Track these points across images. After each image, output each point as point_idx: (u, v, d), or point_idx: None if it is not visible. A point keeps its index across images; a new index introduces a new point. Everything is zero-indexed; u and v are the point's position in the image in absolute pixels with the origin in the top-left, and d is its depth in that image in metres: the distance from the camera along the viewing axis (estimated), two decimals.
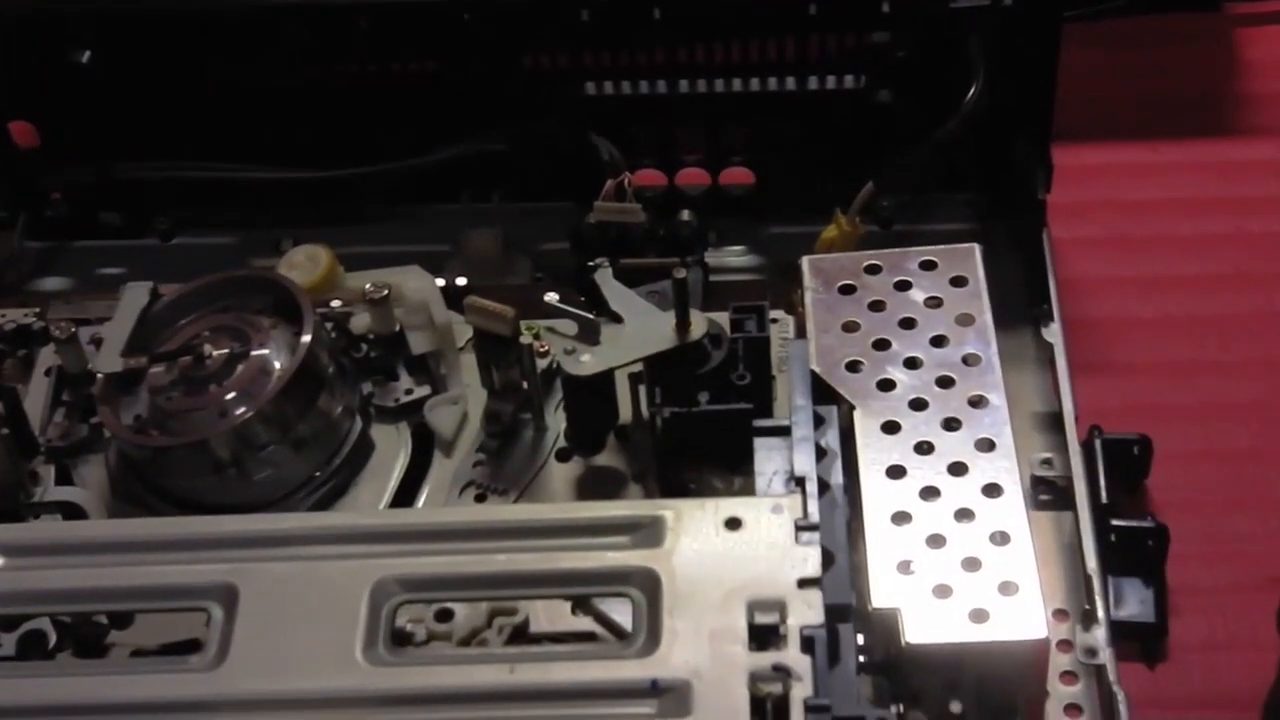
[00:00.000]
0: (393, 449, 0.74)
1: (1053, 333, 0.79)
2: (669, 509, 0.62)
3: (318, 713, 0.57)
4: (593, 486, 0.72)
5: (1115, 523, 0.72)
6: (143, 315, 0.74)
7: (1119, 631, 0.69)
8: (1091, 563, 0.70)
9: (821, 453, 0.63)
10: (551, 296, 0.76)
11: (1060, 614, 0.71)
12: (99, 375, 0.73)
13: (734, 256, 0.86)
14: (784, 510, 0.61)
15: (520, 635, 0.66)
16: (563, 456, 0.74)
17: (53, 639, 0.68)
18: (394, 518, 0.68)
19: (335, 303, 0.76)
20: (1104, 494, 0.73)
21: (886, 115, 0.82)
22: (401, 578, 0.61)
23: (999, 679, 0.62)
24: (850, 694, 0.57)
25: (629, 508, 0.64)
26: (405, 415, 0.75)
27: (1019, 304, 0.80)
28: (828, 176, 0.83)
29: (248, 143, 0.86)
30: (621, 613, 0.66)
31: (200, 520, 0.65)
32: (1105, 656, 0.68)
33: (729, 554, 0.60)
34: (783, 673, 0.56)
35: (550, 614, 0.67)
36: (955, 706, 0.63)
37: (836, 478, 0.63)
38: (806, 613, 0.58)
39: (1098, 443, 0.74)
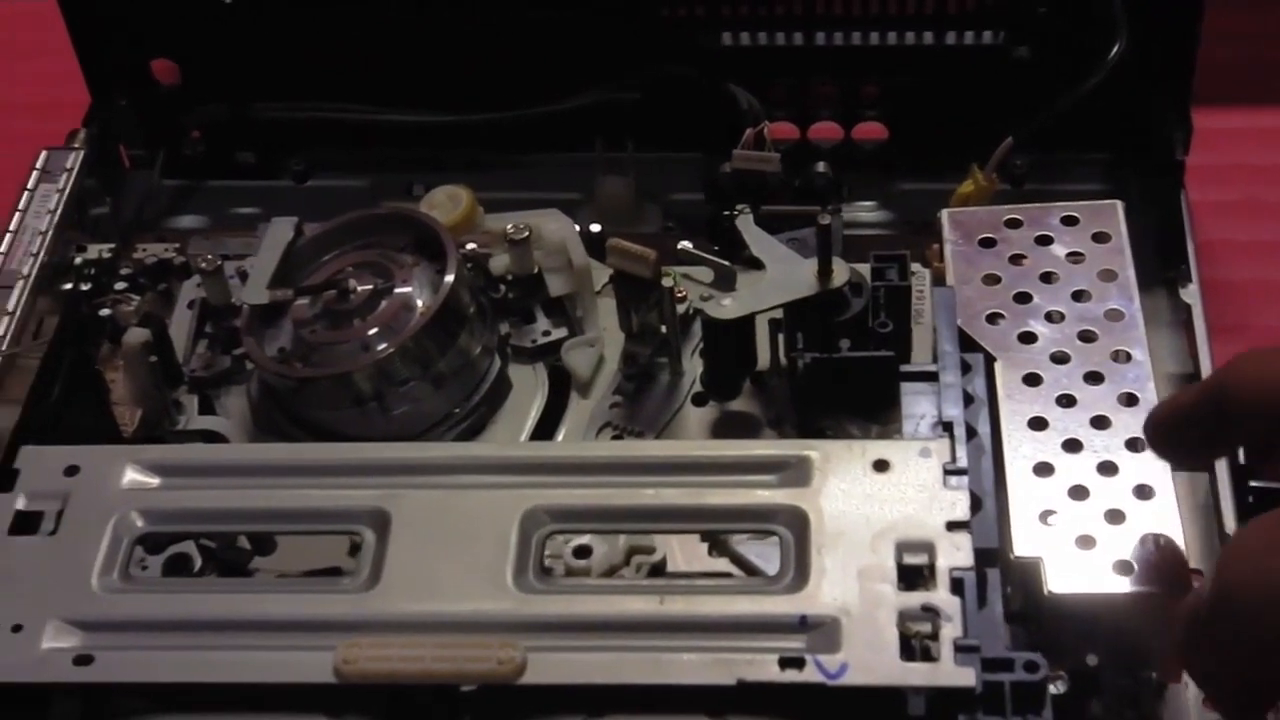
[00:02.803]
0: (530, 389, 0.75)
1: (1190, 293, 0.78)
2: (816, 449, 0.62)
3: (471, 635, 0.57)
4: (728, 431, 0.73)
5: (1253, 484, 0.71)
6: (287, 250, 0.75)
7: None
8: (1230, 522, 0.70)
9: (968, 399, 0.63)
10: (686, 244, 0.76)
11: (1196, 574, 0.70)
12: (244, 307, 0.74)
13: (865, 211, 0.86)
14: (932, 454, 0.61)
15: (658, 574, 0.67)
16: (699, 401, 0.74)
17: (197, 563, 0.69)
18: (542, 450, 0.69)
19: (473, 244, 0.77)
20: (1241, 454, 0.72)
21: (1024, 72, 0.82)
22: (551, 508, 0.61)
23: (1138, 632, 0.62)
24: (998, 636, 0.57)
25: (775, 447, 0.65)
26: (542, 356, 0.76)
27: (1153, 266, 0.79)
28: (961, 133, 0.83)
29: (383, 86, 0.87)
30: (758, 555, 0.67)
31: (349, 447, 0.66)
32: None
33: (877, 495, 0.60)
34: (932, 613, 0.57)
35: (687, 554, 0.68)
36: (1091, 659, 0.63)
37: (983, 425, 0.63)
38: (955, 555, 0.58)
39: None
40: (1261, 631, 0.50)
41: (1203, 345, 0.76)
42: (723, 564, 0.67)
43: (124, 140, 0.90)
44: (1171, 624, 0.54)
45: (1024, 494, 0.63)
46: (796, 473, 0.61)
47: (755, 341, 0.72)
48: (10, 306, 0.76)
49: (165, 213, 0.90)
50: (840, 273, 0.70)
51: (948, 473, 0.60)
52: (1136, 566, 0.60)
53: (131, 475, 0.64)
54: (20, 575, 0.61)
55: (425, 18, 0.85)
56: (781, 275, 0.70)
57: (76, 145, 0.85)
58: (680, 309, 0.74)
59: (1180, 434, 0.57)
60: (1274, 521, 0.51)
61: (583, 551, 0.67)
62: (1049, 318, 0.69)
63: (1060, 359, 0.67)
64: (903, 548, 0.58)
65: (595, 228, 0.82)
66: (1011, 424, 0.65)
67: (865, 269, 0.71)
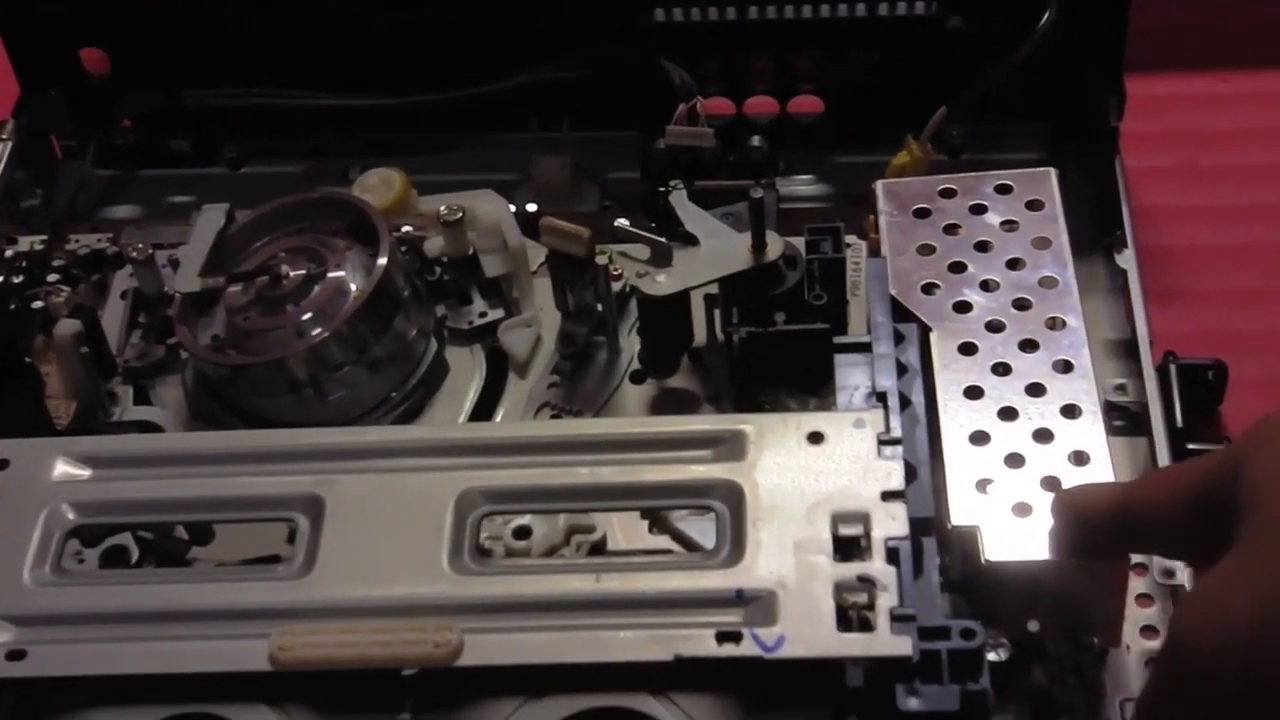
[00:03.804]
0: (467, 371, 0.75)
1: (1126, 259, 0.78)
2: (750, 423, 0.62)
3: (407, 619, 0.57)
4: (667, 408, 0.73)
5: (1191, 447, 0.72)
6: (219, 237, 0.74)
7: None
8: None
9: (902, 369, 0.63)
10: (622, 222, 0.76)
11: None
12: (176, 295, 0.73)
13: (802, 185, 0.86)
14: (866, 425, 0.61)
15: (598, 553, 0.67)
16: (637, 378, 0.74)
17: (135, 554, 0.68)
18: (477, 431, 0.68)
19: (407, 226, 0.77)
20: (1179, 418, 0.73)
21: (957, 42, 0.82)
22: (486, 489, 0.61)
23: (1077, 598, 0.62)
24: (935, 605, 0.57)
25: (710, 422, 0.65)
26: (479, 338, 0.76)
27: (1090, 233, 0.80)
28: (897, 105, 0.83)
29: (317, 70, 0.86)
30: (699, 531, 0.67)
31: (284, 433, 0.65)
32: (1183, 577, 0.68)
33: (811, 467, 0.60)
34: (868, 583, 0.56)
35: (627, 532, 0.68)
36: (1033, 626, 0.63)
37: (917, 394, 0.63)
38: (890, 525, 0.58)
39: (1172, 368, 0.74)
40: (1218, 687, 0.49)
41: (1139, 310, 0.76)
42: (663, 541, 0.67)
43: (55, 130, 0.89)
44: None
45: (961, 463, 0.63)
46: (731, 447, 0.61)
47: (691, 317, 0.72)
48: None
49: (99, 203, 0.89)
50: (774, 246, 0.69)
51: (882, 443, 0.60)
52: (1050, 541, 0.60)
53: (62, 468, 0.63)
54: None
55: (358, 1, 0.84)
56: (716, 250, 0.70)
57: (5, 136, 0.84)
58: (616, 287, 0.74)
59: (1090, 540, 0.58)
60: (1224, 571, 0.50)
61: (522, 532, 0.67)
62: (984, 286, 0.69)
63: (995, 327, 0.67)
64: (838, 519, 0.58)
65: (531, 207, 0.82)
66: (947, 393, 0.65)
67: (800, 242, 0.71)
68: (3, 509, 0.62)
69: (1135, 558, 0.69)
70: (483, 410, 0.74)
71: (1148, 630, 0.68)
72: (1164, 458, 0.71)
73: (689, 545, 0.67)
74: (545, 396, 0.73)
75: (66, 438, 0.68)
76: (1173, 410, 0.73)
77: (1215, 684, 0.49)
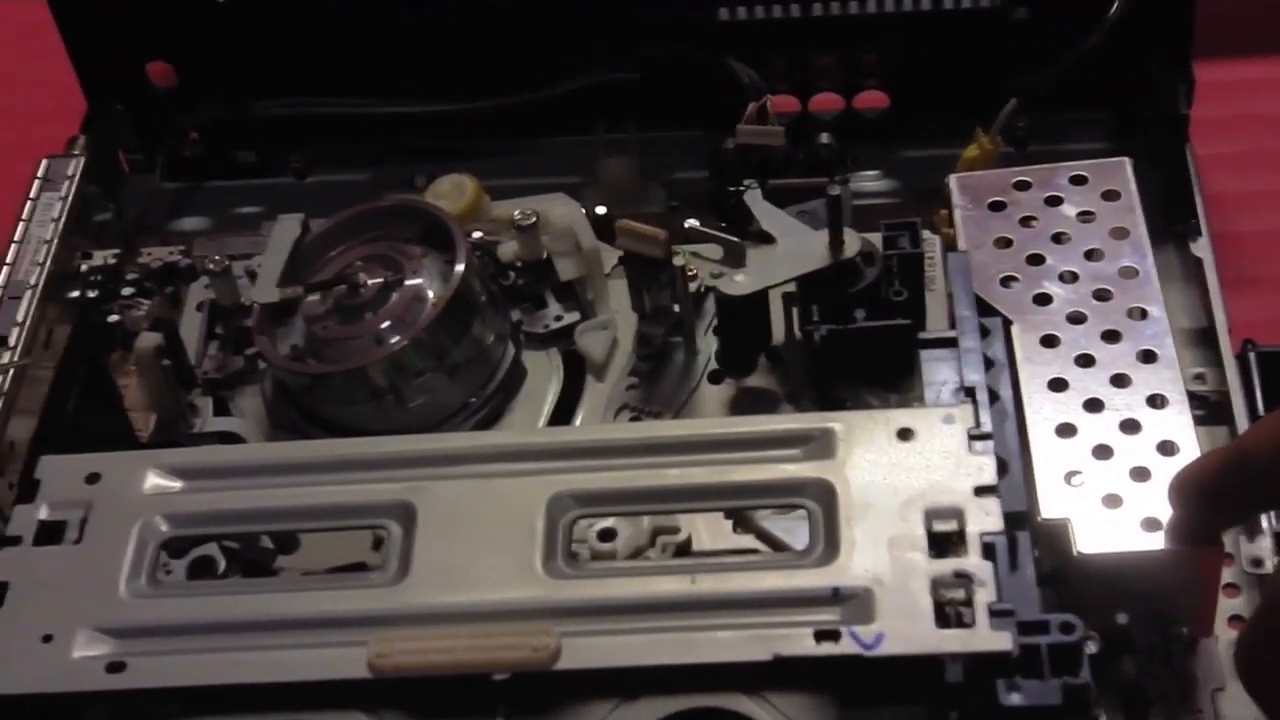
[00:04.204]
0: (545, 374, 0.75)
1: (1201, 247, 0.78)
2: (839, 421, 0.62)
3: (504, 624, 0.57)
4: (746, 408, 0.72)
5: None
6: (295, 247, 0.75)
7: None
8: None
9: (989, 363, 0.63)
10: (693, 222, 0.76)
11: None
12: (255, 306, 0.74)
13: (869, 181, 0.86)
14: (956, 420, 0.61)
15: (683, 553, 0.67)
16: (715, 379, 0.74)
17: (221, 565, 0.69)
18: (564, 435, 0.68)
19: (479, 232, 0.77)
20: (1261, 406, 0.72)
21: (1023, 33, 0.82)
22: (576, 492, 0.61)
23: (1169, 589, 0.62)
24: (1032, 599, 0.56)
25: (799, 420, 0.64)
26: (555, 341, 0.76)
27: (1161, 221, 0.79)
28: (963, 98, 0.82)
29: (380, 77, 0.86)
30: (784, 530, 0.67)
31: (370, 441, 0.65)
32: (1271, 566, 0.67)
33: (903, 464, 0.60)
34: (965, 579, 0.56)
35: (712, 532, 0.68)
36: (1121, 618, 0.63)
37: (1005, 389, 0.63)
38: (985, 520, 0.58)
39: (1252, 355, 0.73)
40: None
41: (1215, 298, 0.76)
42: (748, 541, 0.67)
43: (122, 145, 0.89)
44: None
45: (1048, 456, 0.63)
46: (821, 445, 0.61)
47: (769, 316, 0.72)
48: (20, 317, 0.76)
49: (167, 216, 0.90)
50: (852, 243, 0.69)
51: (972, 438, 0.60)
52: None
53: (153, 480, 0.63)
54: (47, 585, 0.60)
55: (420, 6, 0.84)
56: (793, 248, 0.70)
57: (76, 152, 0.84)
58: (692, 287, 0.74)
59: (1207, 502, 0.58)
60: None
61: (607, 534, 0.67)
62: (1063, 278, 0.69)
63: (1077, 319, 0.67)
64: (932, 515, 0.58)
65: (601, 210, 0.82)
66: (1031, 386, 0.65)
67: (875, 238, 0.71)
68: (96, 522, 0.62)
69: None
70: (561, 414, 0.74)
71: (1236, 620, 0.67)
72: None
73: (775, 544, 0.67)
74: (624, 399, 0.73)
75: (156, 450, 0.68)
76: (1254, 398, 0.72)
77: None
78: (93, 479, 0.63)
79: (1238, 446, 0.57)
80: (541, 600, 0.58)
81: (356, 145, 0.89)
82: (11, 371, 0.72)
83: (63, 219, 0.80)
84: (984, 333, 0.64)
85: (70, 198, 0.81)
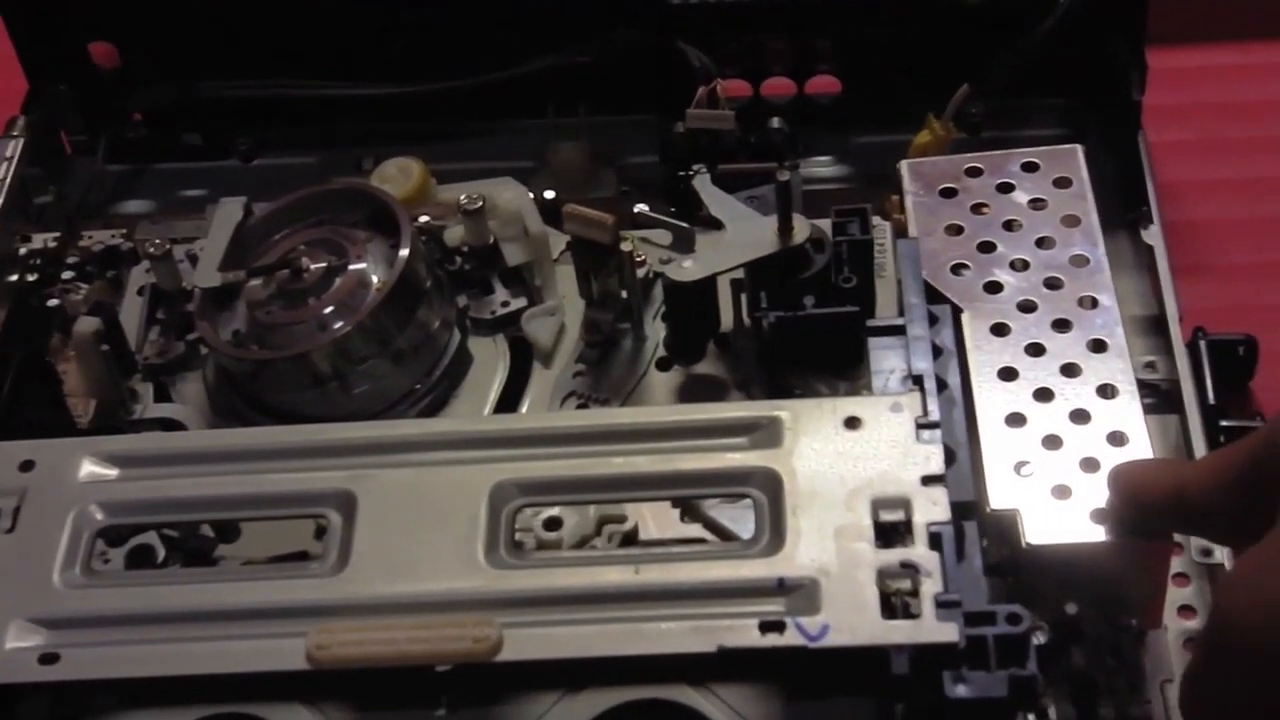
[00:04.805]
0: (491, 361, 0.74)
1: (1153, 234, 0.78)
2: (786, 409, 0.61)
3: (445, 614, 0.56)
4: (694, 395, 0.72)
5: (1224, 423, 0.71)
6: (237, 230, 0.74)
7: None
8: None
9: (937, 351, 0.63)
10: (642, 207, 0.76)
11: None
12: (196, 291, 0.73)
13: (821, 167, 0.86)
14: (903, 408, 0.60)
15: (630, 543, 0.66)
16: (663, 365, 0.73)
17: (161, 554, 0.68)
18: (508, 423, 0.68)
19: (426, 216, 0.76)
20: (1211, 395, 0.72)
21: (976, 19, 0.81)
22: (520, 481, 0.60)
23: (1117, 580, 0.62)
24: (979, 590, 0.56)
25: (745, 409, 0.64)
26: (502, 327, 0.75)
27: (1114, 209, 0.79)
28: (915, 84, 0.82)
29: (329, 60, 0.85)
30: (731, 519, 0.66)
31: (313, 428, 0.64)
32: (1220, 556, 0.67)
33: (849, 453, 0.59)
34: (911, 569, 0.56)
35: (659, 521, 0.67)
36: (1071, 608, 0.62)
37: (953, 377, 0.62)
38: (932, 510, 0.57)
39: (1202, 344, 0.73)
40: (1263, 660, 0.49)
41: (1167, 286, 0.76)
42: (696, 530, 0.67)
43: (65, 126, 0.88)
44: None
45: (997, 445, 0.63)
46: (767, 434, 0.60)
47: (718, 303, 0.71)
48: None
49: (111, 199, 0.88)
50: (801, 229, 0.69)
51: (920, 426, 0.60)
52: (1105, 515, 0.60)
53: (89, 468, 0.62)
54: None
55: None
56: (742, 234, 0.70)
57: (16, 133, 0.83)
58: (640, 273, 0.73)
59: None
60: (1268, 547, 0.50)
61: (553, 523, 0.66)
62: (1014, 266, 0.68)
63: (1027, 308, 0.67)
64: (878, 505, 0.58)
65: (549, 194, 0.81)
66: (981, 375, 0.65)
67: (825, 224, 0.70)
68: (30, 511, 0.61)
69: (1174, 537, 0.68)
70: (508, 401, 0.73)
71: (1185, 610, 0.67)
72: (1197, 435, 0.71)
73: (723, 534, 0.66)
74: (571, 385, 0.73)
75: (92, 437, 0.67)
76: (1204, 387, 0.72)
77: (1259, 659, 0.49)
78: (26, 466, 0.62)
79: (1179, 481, 0.56)
80: (483, 590, 0.57)
81: (304, 128, 0.88)
82: None
83: (1, 201, 0.79)
84: (933, 320, 0.64)
85: (9, 179, 0.80)
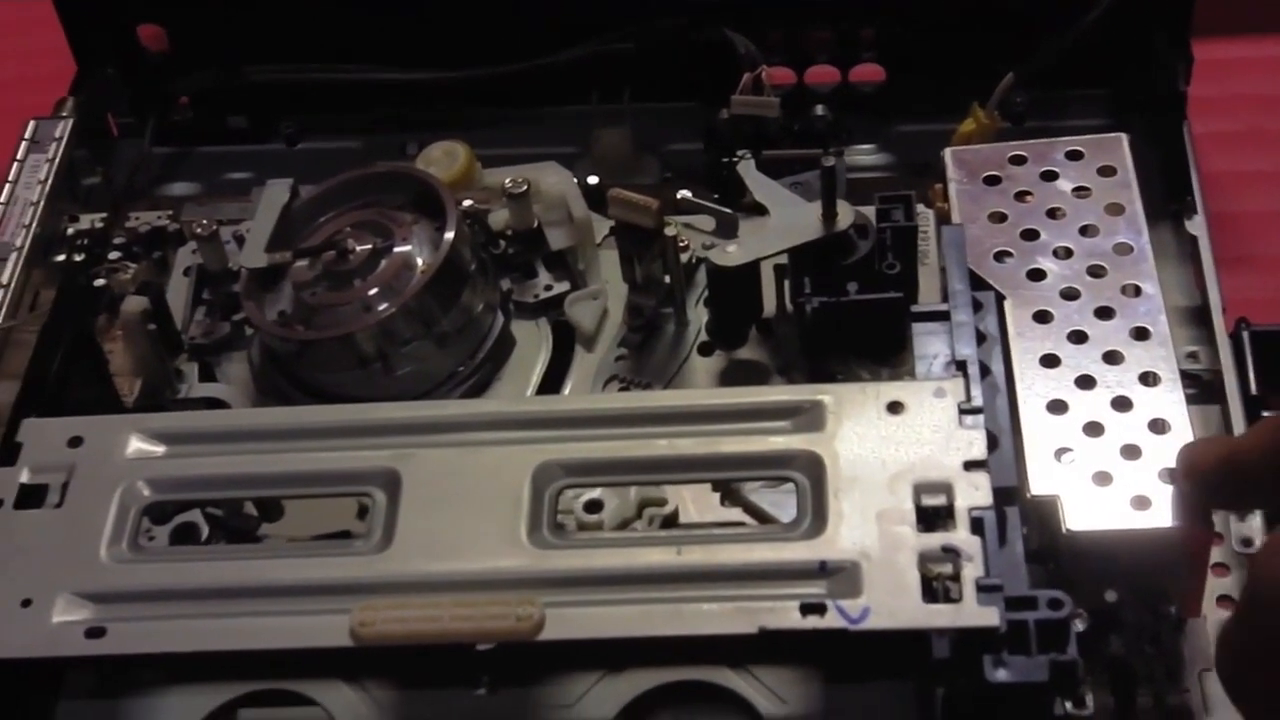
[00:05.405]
0: (534, 344, 0.74)
1: (1196, 225, 0.77)
2: (829, 394, 0.61)
3: (488, 593, 0.57)
4: (736, 380, 0.72)
5: (1266, 414, 0.71)
6: (284, 212, 0.74)
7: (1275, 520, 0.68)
8: None
9: (981, 337, 0.63)
10: (685, 193, 0.76)
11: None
12: (243, 271, 0.73)
13: (864, 154, 0.86)
14: (946, 394, 0.60)
15: (670, 525, 0.66)
16: (705, 350, 0.73)
17: (205, 532, 0.68)
18: (553, 404, 0.68)
19: (471, 200, 0.76)
20: (1253, 385, 0.72)
21: (1021, 8, 0.81)
22: (563, 462, 0.60)
23: (1157, 568, 0.62)
24: (1020, 575, 0.56)
25: (788, 393, 0.64)
26: (545, 311, 0.75)
27: (1157, 199, 0.79)
28: (959, 73, 0.82)
29: (374, 44, 0.86)
30: (771, 503, 0.66)
31: (358, 407, 0.65)
32: (1260, 545, 0.67)
33: (892, 437, 0.59)
34: (952, 553, 0.56)
35: (699, 504, 0.67)
36: (1110, 596, 0.62)
37: (997, 363, 0.62)
38: (974, 495, 0.57)
39: (1245, 334, 0.73)
40: None
41: (1210, 277, 0.76)
42: (735, 513, 0.67)
43: (112, 109, 0.89)
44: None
45: (1039, 432, 0.63)
46: (810, 418, 0.60)
47: (761, 288, 0.71)
48: (4, 279, 0.76)
49: (157, 181, 0.89)
50: (845, 215, 0.69)
51: (963, 412, 0.60)
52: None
53: (136, 444, 0.63)
54: (28, 549, 0.60)
55: None
56: (786, 220, 0.70)
57: (65, 114, 0.84)
58: (684, 258, 0.74)
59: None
60: None
61: (594, 506, 0.66)
62: (1057, 254, 0.68)
63: (1070, 295, 0.67)
64: (920, 489, 0.58)
65: (593, 180, 0.81)
66: (1023, 362, 0.65)
67: (868, 211, 0.70)
68: (78, 486, 0.62)
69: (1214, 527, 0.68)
70: (550, 384, 0.73)
71: (1224, 600, 0.67)
72: (1239, 425, 0.70)
73: (762, 518, 0.66)
74: (613, 369, 0.73)
75: (139, 414, 0.68)
76: (1246, 377, 0.72)
77: None
78: (75, 443, 0.62)
79: (1228, 450, 0.57)
80: (526, 570, 0.58)
81: (349, 112, 0.88)
82: None
83: (49, 181, 0.80)
84: (976, 307, 0.64)
85: (57, 160, 0.81)
